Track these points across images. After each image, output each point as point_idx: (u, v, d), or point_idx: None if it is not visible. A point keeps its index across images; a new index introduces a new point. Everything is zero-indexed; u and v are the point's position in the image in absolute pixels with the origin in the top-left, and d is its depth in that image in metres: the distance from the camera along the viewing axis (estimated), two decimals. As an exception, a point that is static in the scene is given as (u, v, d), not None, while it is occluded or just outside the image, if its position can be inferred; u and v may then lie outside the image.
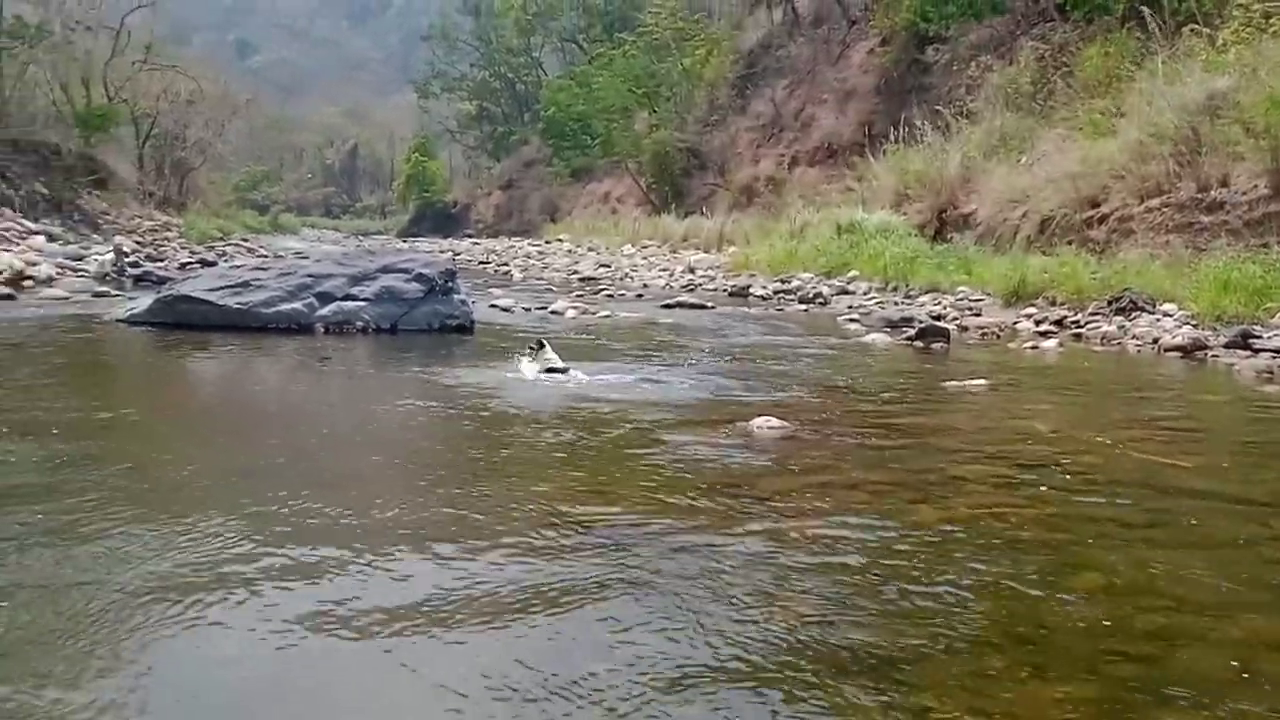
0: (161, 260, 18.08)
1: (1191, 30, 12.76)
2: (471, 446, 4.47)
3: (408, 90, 72.96)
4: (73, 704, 1.95)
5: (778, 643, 2.29)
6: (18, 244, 15.99)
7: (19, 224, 17.87)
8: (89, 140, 24.31)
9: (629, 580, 2.66)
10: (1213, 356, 7.63)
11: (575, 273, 19.97)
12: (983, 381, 6.18)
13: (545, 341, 6.42)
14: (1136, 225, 11.27)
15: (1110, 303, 9.51)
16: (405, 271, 9.04)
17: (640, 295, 14.64)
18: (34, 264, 13.57)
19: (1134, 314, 9.14)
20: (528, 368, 6.27)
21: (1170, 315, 8.88)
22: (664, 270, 19.49)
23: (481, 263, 24.64)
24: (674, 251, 24.16)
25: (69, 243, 17.93)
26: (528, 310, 11.35)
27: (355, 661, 2.19)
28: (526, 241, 34.24)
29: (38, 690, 2.02)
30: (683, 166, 32.55)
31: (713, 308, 12.42)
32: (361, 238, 50.43)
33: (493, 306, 11.21)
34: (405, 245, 35.11)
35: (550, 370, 6.15)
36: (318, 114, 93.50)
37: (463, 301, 9.17)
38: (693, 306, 12.49)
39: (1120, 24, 15.03)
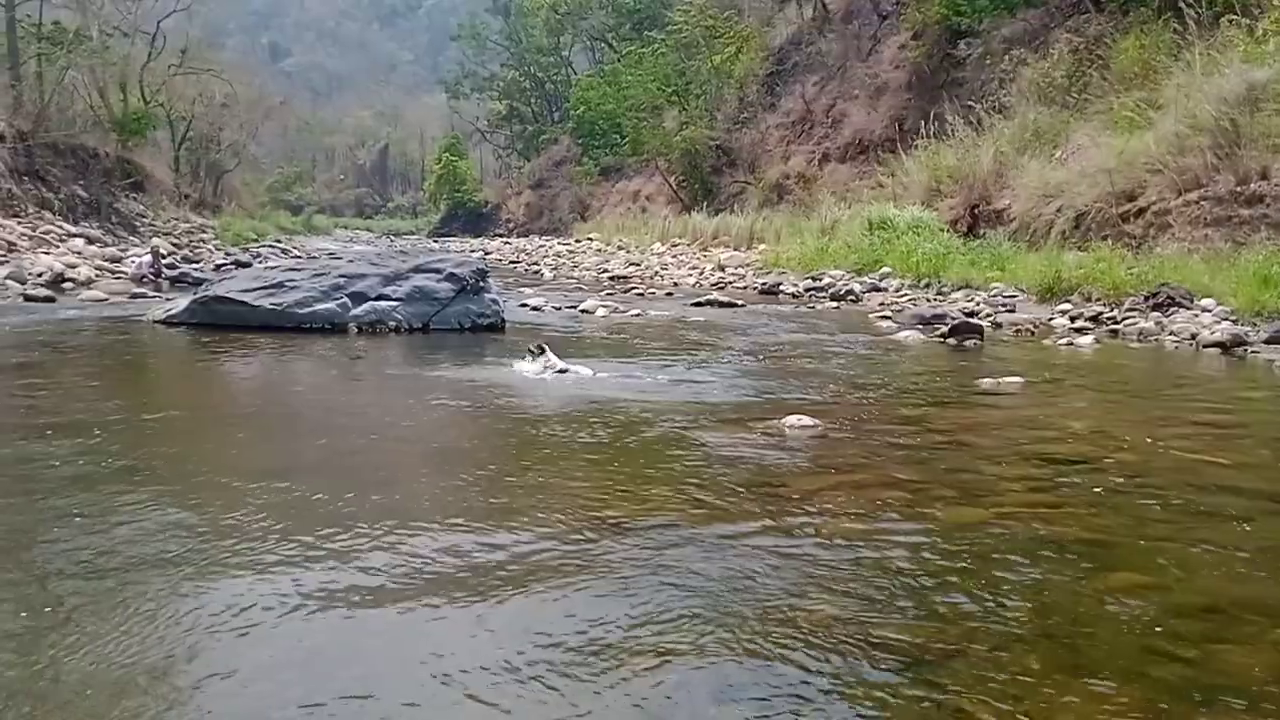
0: (198, 261, 18.34)
1: (1229, 21, 12.54)
2: (509, 445, 4.50)
3: (438, 91, 73.31)
4: (112, 674, 2.01)
5: (810, 640, 2.28)
6: (57, 246, 16.27)
7: (59, 226, 18.18)
8: (126, 144, 24.68)
9: (659, 574, 2.67)
10: (1253, 353, 7.51)
11: (605, 271, 19.99)
12: (1018, 379, 6.11)
13: (546, 346, 6.47)
14: (1174, 219, 11.09)
15: (1147, 298, 9.37)
16: (437, 271, 9.11)
17: (670, 294, 14.62)
18: (73, 266, 13.81)
19: (1171, 310, 9.00)
20: (527, 367, 6.32)
21: (1209, 311, 8.73)
22: (694, 268, 19.46)
23: (512, 262, 24.75)
24: (704, 250, 24.08)
25: (107, 245, 18.22)
26: (558, 309, 11.37)
27: (394, 630, 2.22)
28: (557, 240, 34.33)
29: (84, 656, 2.13)
30: (712, 164, 32.44)
31: (743, 306, 12.39)
32: (393, 238, 50.90)
33: (523, 305, 11.25)
34: (436, 245, 35.40)
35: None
36: (350, 115, 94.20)
37: (494, 301, 9.22)
38: (723, 305, 12.46)
39: (1156, 15, 14.77)
